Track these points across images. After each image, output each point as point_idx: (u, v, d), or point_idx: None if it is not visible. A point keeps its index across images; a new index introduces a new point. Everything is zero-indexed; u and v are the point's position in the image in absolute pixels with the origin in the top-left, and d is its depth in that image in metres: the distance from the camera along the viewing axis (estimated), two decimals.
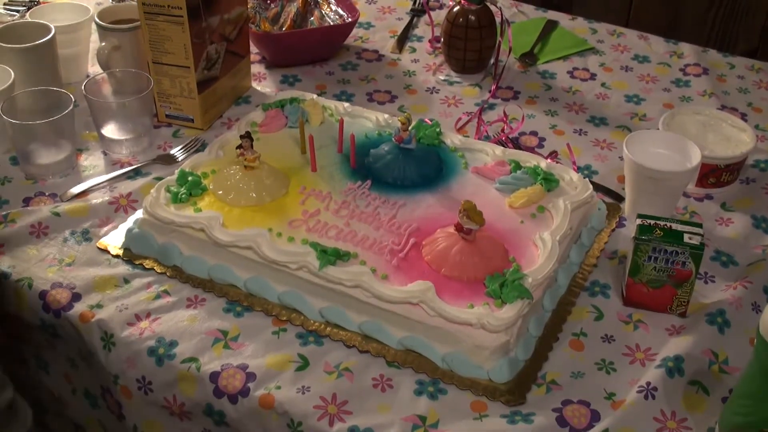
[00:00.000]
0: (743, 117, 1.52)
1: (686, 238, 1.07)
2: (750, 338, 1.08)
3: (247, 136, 1.20)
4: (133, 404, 1.10)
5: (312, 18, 1.69)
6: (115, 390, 1.11)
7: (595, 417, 0.99)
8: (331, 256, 1.09)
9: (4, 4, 1.76)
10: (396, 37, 1.78)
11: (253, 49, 1.63)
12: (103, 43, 1.49)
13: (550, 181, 1.22)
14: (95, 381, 1.17)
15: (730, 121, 1.38)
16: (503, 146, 1.37)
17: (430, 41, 1.77)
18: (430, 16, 1.81)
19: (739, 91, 1.61)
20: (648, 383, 1.01)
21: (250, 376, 1.03)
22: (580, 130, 1.49)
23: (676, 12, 2.44)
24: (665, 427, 0.98)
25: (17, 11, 1.72)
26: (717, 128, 1.37)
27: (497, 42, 1.62)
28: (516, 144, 1.44)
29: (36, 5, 1.71)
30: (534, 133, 1.48)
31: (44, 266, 1.18)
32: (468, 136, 1.42)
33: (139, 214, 1.23)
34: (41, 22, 1.48)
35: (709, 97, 1.58)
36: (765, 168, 1.39)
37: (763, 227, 1.27)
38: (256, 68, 1.65)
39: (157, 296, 1.14)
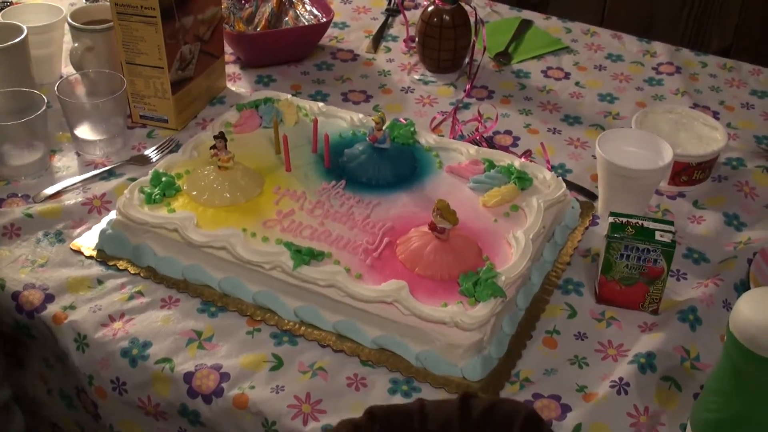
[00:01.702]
0: (715, 115, 1.53)
1: (658, 235, 1.08)
2: (721, 335, 1.08)
3: (221, 136, 1.20)
4: (109, 404, 1.10)
5: (287, 18, 1.69)
6: (90, 390, 1.10)
7: (566, 409, 1.00)
8: (305, 256, 1.09)
9: None
10: (371, 37, 1.78)
11: (228, 49, 1.63)
12: (76, 44, 1.48)
13: (523, 180, 1.23)
14: (70, 381, 1.16)
15: (702, 120, 1.39)
16: (477, 145, 1.37)
17: (404, 41, 1.77)
18: (404, 15, 1.81)
19: (712, 89, 1.63)
20: (620, 378, 1.01)
21: (224, 376, 1.03)
22: (554, 129, 1.50)
23: (651, 11, 2.46)
24: (639, 422, 0.98)
25: None
26: (689, 126, 1.38)
27: (472, 41, 1.63)
28: (490, 143, 1.44)
29: (8, 6, 1.70)
30: (508, 132, 1.48)
31: (17, 267, 1.18)
32: (443, 136, 1.42)
33: (112, 215, 1.22)
34: (13, 22, 1.47)
35: (682, 95, 1.59)
36: (737, 166, 1.41)
37: (735, 225, 1.28)
38: (231, 68, 1.64)
39: (131, 297, 1.14)
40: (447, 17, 1.59)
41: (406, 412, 0.85)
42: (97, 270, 1.18)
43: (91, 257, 1.20)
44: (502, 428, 0.80)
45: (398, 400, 1.01)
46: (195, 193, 1.21)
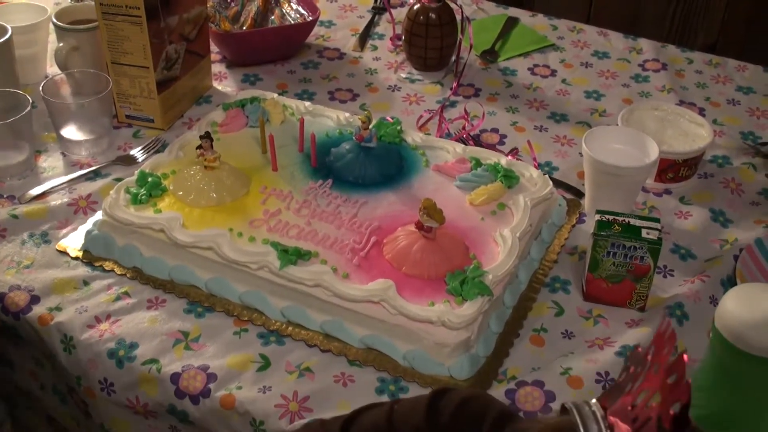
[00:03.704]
0: (701, 112, 1.54)
1: (644, 233, 1.08)
2: (708, 331, 1.08)
3: (207, 136, 1.20)
4: (98, 404, 1.09)
5: (273, 17, 1.68)
6: (79, 390, 1.10)
7: (550, 397, 1.00)
8: (292, 256, 1.09)
9: None
10: (357, 36, 1.78)
11: (214, 48, 1.62)
12: (61, 44, 1.47)
13: (510, 178, 1.23)
14: (61, 380, 1.16)
15: (688, 117, 1.39)
16: (464, 144, 1.37)
17: (391, 39, 1.77)
18: (390, 13, 1.81)
19: (697, 86, 1.63)
20: (607, 373, 1.02)
21: (211, 377, 1.03)
22: (541, 126, 1.50)
23: (637, 7, 2.46)
24: None
25: None
26: (675, 123, 1.38)
27: (458, 39, 1.63)
28: (477, 141, 1.44)
29: None
30: (495, 130, 1.48)
31: (2, 269, 1.17)
32: (429, 134, 1.42)
33: (98, 215, 1.22)
34: None
35: (668, 92, 1.60)
36: (722, 163, 1.41)
37: (721, 221, 1.29)
38: (217, 68, 1.64)
39: (117, 298, 1.13)
40: (433, 15, 1.59)
41: (374, 426, 0.84)
42: (83, 271, 1.17)
43: (77, 258, 1.19)
44: (471, 429, 0.79)
45: (385, 399, 1.00)
46: (181, 193, 1.20)
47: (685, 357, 0.66)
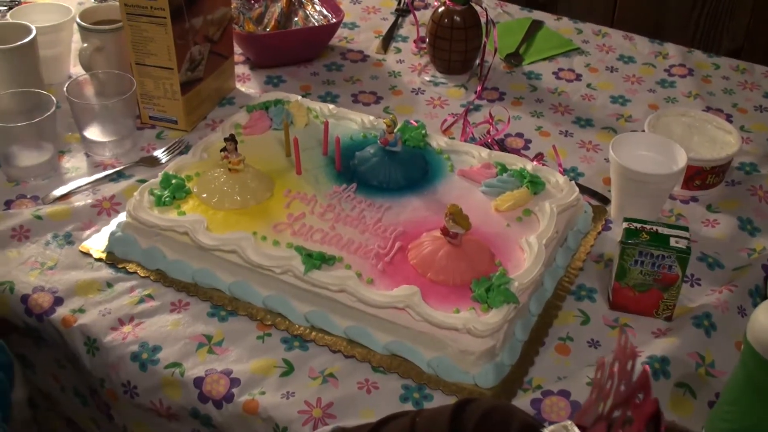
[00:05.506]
0: (728, 118, 1.52)
1: (672, 241, 1.07)
2: (736, 342, 1.07)
3: (231, 138, 1.19)
4: (121, 406, 1.09)
5: (296, 18, 1.68)
6: (101, 392, 1.10)
7: (576, 407, 0.99)
8: (316, 260, 1.08)
9: None
10: (381, 38, 1.77)
11: (237, 49, 1.62)
12: (85, 44, 1.47)
13: (536, 184, 1.22)
14: (83, 382, 1.16)
15: (716, 123, 1.37)
16: (489, 148, 1.36)
17: (415, 42, 1.76)
18: (414, 16, 1.80)
19: (724, 92, 1.61)
20: None
21: (234, 382, 1.02)
22: (566, 131, 1.49)
23: (661, 12, 2.44)
24: None
25: None
26: (702, 130, 1.37)
27: (482, 42, 1.62)
28: (502, 146, 1.43)
29: (17, 5, 1.69)
30: (520, 135, 1.47)
31: (26, 270, 1.17)
32: (454, 138, 1.41)
33: (122, 217, 1.22)
34: (22, 22, 1.46)
35: (695, 98, 1.58)
36: (750, 171, 1.39)
37: (749, 229, 1.27)
38: (240, 69, 1.63)
39: (141, 300, 1.13)
40: (458, 18, 1.58)
41: None
42: (106, 273, 1.17)
43: (100, 260, 1.19)
44: None
45: (409, 407, 1.00)
46: (205, 195, 1.20)
47: (647, 368, 0.65)
